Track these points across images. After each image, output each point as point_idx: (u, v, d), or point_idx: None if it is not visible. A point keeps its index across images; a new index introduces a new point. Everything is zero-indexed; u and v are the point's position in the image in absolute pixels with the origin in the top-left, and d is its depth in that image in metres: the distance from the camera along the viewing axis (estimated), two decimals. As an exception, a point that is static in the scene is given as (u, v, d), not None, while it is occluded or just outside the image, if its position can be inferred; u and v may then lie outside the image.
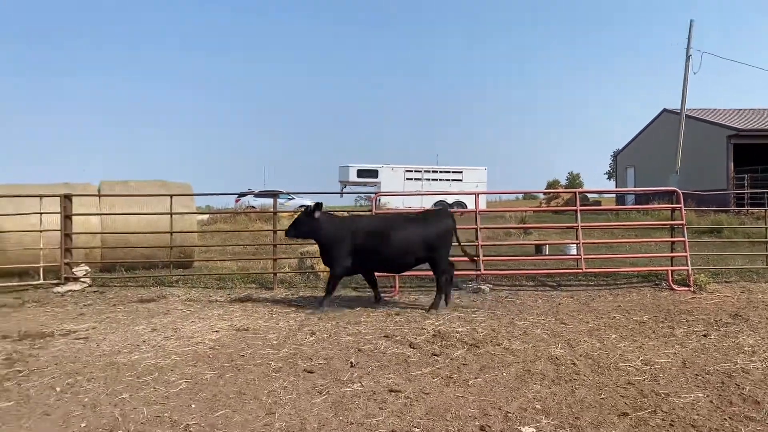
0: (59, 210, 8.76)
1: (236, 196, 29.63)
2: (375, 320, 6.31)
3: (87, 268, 8.88)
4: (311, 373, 4.45)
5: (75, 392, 4.04)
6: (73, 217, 9.00)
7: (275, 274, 8.63)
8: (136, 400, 3.88)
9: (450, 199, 29.49)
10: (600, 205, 28.87)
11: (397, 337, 5.49)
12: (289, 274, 9.16)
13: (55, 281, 8.54)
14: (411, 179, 31.48)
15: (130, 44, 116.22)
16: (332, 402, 3.85)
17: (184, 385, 4.18)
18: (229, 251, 12.32)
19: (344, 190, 32.02)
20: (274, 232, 9.14)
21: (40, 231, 8.77)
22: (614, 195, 35.14)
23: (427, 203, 28.45)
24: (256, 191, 31.64)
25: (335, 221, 7.13)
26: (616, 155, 37.77)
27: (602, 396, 3.96)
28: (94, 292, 8.43)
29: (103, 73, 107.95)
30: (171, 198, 9.37)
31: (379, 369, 4.54)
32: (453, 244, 7.15)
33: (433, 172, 32.04)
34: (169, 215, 9.41)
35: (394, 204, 27.18)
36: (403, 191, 28.70)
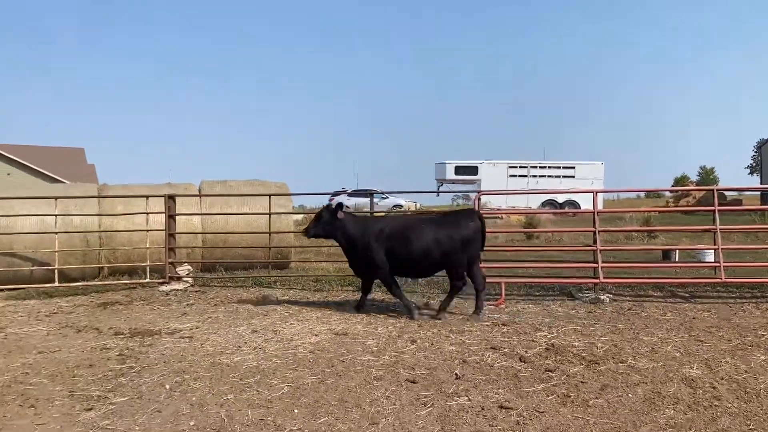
0: (164, 210, 9.53)
1: (330, 195, 30.56)
2: (480, 330, 6.24)
3: (189, 267, 9.60)
4: (414, 383, 4.50)
5: (183, 391, 4.38)
6: (176, 217, 9.76)
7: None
8: (240, 402, 4.13)
9: (560, 198, 28.47)
10: (741, 204, 26.48)
11: (506, 350, 5.40)
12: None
13: (160, 280, 9.31)
14: (515, 176, 30.74)
15: (223, 46, 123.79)
16: (437, 415, 3.86)
17: (286, 389, 4.39)
18: (324, 252, 12.77)
19: (441, 189, 31.99)
20: (372, 233, 9.31)
21: (147, 230, 9.59)
22: (759, 193, 32.05)
23: (534, 202, 27.70)
24: (349, 190, 32.46)
25: (359, 222, 7.29)
26: (760, 146, 34.47)
27: (750, 426, 3.64)
28: (196, 291, 9.09)
29: (198, 75, 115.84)
30: (270, 198, 9.87)
31: (487, 383, 4.49)
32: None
33: (540, 167, 31.07)
34: (268, 215, 9.93)
35: (496, 204, 26.72)
36: (506, 189, 28.09)
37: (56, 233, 9.23)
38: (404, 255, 6.92)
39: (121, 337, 6.14)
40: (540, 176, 30.71)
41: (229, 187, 11.60)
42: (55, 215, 9.25)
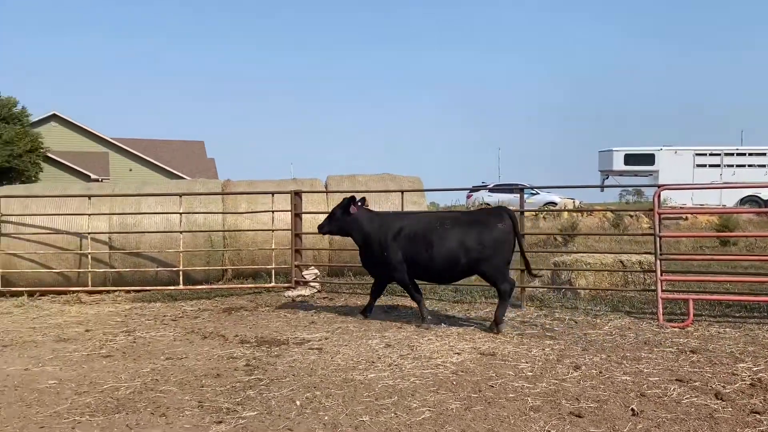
0: (290, 208, 10.09)
1: (468, 191, 30.45)
2: (662, 357, 5.91)
3: (316, 271, 10.09)
4: (579, 417, 4.37)
5: (314, 408, 4.62)
6: (302, 216, 10.30)
7: (523, 288, 8.67)
8: (376, 426, 4.28)
9: (765, 193, 25.97)
10: None
11: (696, 383, 5.07)
12: (541, 290, 9.12)
13: (285, 284, 9.89)
14: (704, 166, 28.48)
15: (351, 39, 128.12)
16: (611, 458, 3.72)
17: (428, 414, 4.47)
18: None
19: (606, 182, 30.57)
20: (522, 236, 9.15)
21: (272, 230, 10.23)
22: None
23: (730, 199, 25.53)
24: (491, 185, 32.12)
25: (375, 219, 7.76)
26: None
27: None
28: (324, 297, 9.54)
29: (324, 66, 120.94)
30: (402, 194, 10.08)
31: (672, 422, 4.24)
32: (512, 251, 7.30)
33: (737, 154, 28.52)
34: (400, 214, 10.14)
35: (679, 200, 25.02)
36: (693, 183, 26.08)
37: (181, 232, 10.16)
38: (425, 258, 7.26)
39: (247, 345, 6.61)
40: (737, 165, 28.17)
41: (358, 182, 12.01)
42: (180, 213, 10.18)
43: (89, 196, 10.16)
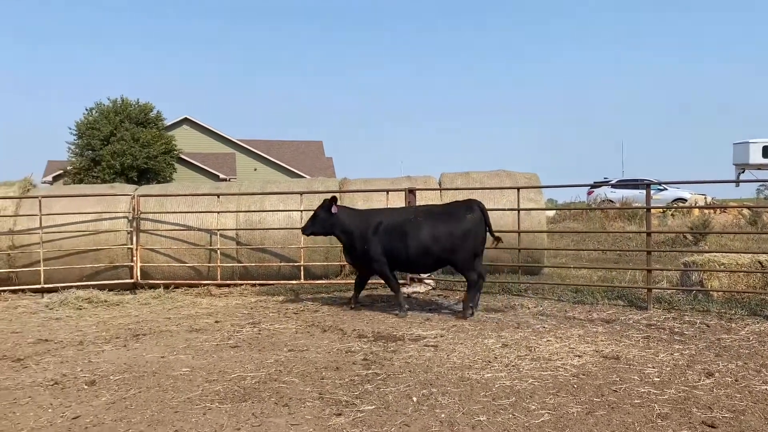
0: (404, 205, 10.16)
1: (588, 187, 29.41)
2: (808, 367, 5.41)
3: (431, 268, 10.10)
4: (713, 427, 4.10)
5: (431, 405, 4.63)
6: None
7: (650, 289, 8.24)
8: (494, 426, 4.22)
9: None
10: None
11: None
12: (669, 291, 8.63)
13: (400, 282, 9.97)
14: None
15: (455, 44, 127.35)
16: (750, 475, 3.45)
17: (547, 416, 4.36)
18: (584, 256, 12.36)
19: (742, 177, 28.51)
20: (648, 234, 8.71)
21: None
22: None
23: None
24: (613, 180, 30.85)
25: (356, 216, 8.28)
26: None
27: None
28: (438, 295, 9.55)
29: (433, 64, 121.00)
30: (518, 191, 9.88)
31: (823, 440, 3.87)
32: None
33: None
34: (516, 211, 9.95)
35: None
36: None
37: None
38: (402, 249, 7.87)
39: (364, 340, 6.74)
40: None
41: (472, 179, 11.90)
42: (301, 211, 10.53)
43: (218, 195, 10.77)
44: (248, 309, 8.85)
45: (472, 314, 7.82)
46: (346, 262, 9.32)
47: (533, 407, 4.54)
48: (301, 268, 10.35)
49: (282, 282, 10.50)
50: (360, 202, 11.23)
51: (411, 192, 10.23)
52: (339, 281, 10.54)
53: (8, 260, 10.50)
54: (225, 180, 35.79)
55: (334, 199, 8.28)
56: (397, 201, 10.40)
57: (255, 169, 42.08)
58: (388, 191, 10.46)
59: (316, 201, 10.97)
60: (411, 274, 9.03)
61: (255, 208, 11.04)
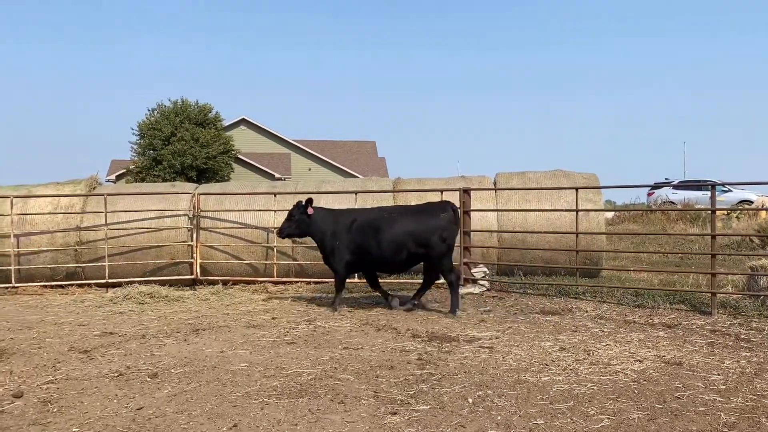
0: (458, 205, 10.10)
1: (649, 188, 28.68)
2: None
3: (485, 269, 10.03)
4: (784, 439, 3.93)
5: (487, 407, 4.59)
6: (471, 214, 10.28)
7: (714, 294, 7.96)
8: (551, 430, 4.15)
9: None
10: None
11: None
12: (735, 296, 8.33)
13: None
14: None
15: (513, 38, 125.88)
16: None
17: (607, 421, 4.26)
18: (644, 259, 12.03)
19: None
20: (713, 237, 8.42)
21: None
22: None
23: None
24: (675, 181, 29.97)
25: (330, 216, 8.45)
26: None
27: None
28: (493, 297, 9.46)
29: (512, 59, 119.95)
30: (576, 192, 9.70)
31: None
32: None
33: None
34: (574, 212, 9.77)
35: None
36: None
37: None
38: (375, 248, 8.07)
39: (418, 340, 6.73)
40: None
41: (528, 179, 11.74)
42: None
43: (275, 194, 10.95)
44: (303, 306, 8.95)
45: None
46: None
47: (592, 412, 4.44)
48: (356, 266, 10.40)
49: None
50: (413, 202, 11.22)
51: (465, 192, 10.16)
52: (392, 280, 10.56)
53: (75, 255, 10.93)
54: (280, 180, 36.33)
55: (310, 201, 8.44)
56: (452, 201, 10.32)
57: (309, 169, 42.61)
58: (442, 191, 10.42)
59: (369, 201, 11.05)
60: (388, 273, 9.19)
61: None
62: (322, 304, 9.13)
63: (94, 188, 11.75)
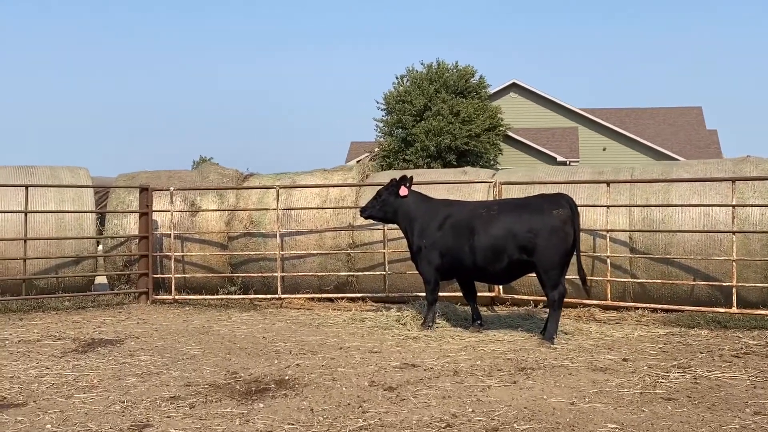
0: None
1: None
2: None
3: None
4: None
5: None
6: None
7: None
8: None
9: None
10: None
11: None
12: None
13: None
14: None
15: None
16: None
17: None
18: None
19: None
20: None
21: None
22: None
23: None
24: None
25: (424, 205, 8.83)
26: None
27: None
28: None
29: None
30: None
31: None
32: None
33: None
34: None
35: None
36: None
37: (732, 233, 9.72)
38: (468, 253, 8.39)
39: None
40: None
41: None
42: (731, 206, 9.76)
43: (607, 182, 10.38)
44: (660, 344, 8.47)
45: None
46: None
47: None
48: (733, 290, 9.55)
49: (700, 308, 9.89)
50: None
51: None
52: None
53: (348, 261, 11.44)
54: (563, 163, 35.58)
55: (404, 179, 8.69)
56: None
57: (604, 149, 41.16)
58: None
59: (747, 192, 10.10)
60: (489, 282, 9.58)
61: (654, 201, 10.46)
62: (687, 342, 8.53)
63: (367, 176, 12.14)
